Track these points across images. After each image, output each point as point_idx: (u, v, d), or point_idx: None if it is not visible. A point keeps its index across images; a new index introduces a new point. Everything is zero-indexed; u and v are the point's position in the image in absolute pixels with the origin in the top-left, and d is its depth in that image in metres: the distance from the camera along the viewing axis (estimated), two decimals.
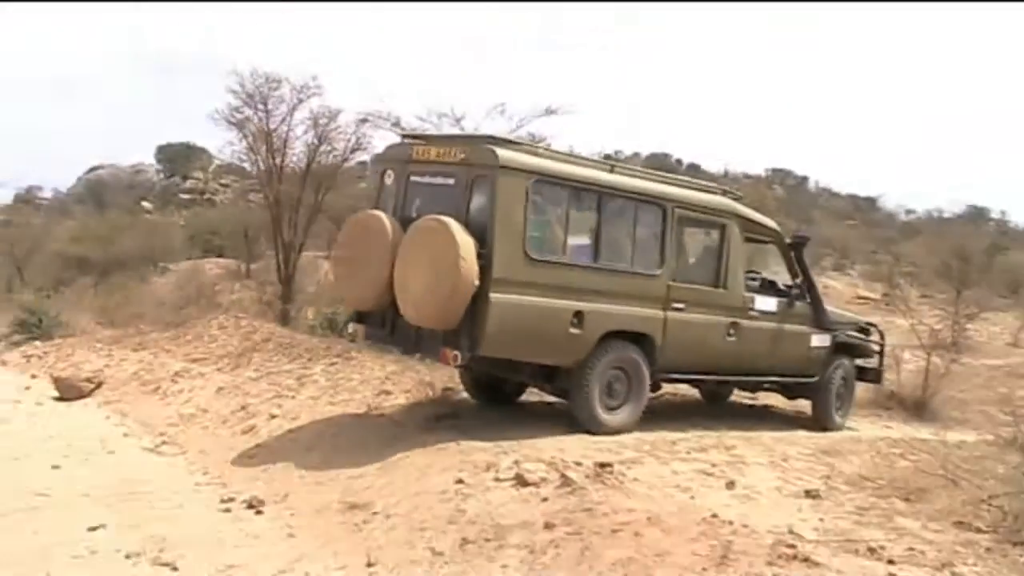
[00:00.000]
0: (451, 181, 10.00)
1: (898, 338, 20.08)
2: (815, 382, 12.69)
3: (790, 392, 13.10)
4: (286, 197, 18.99)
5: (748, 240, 12.06)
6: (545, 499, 7.27)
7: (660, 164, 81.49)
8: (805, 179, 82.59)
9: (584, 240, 10.57)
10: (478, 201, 9.73)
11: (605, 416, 10.43)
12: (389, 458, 8.87)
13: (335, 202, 22.65)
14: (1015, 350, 23.50)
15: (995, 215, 65.15)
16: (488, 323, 9.42)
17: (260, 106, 18.75)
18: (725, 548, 6.10)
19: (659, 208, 10.98)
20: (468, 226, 9.44)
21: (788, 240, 12.63)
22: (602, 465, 8.32)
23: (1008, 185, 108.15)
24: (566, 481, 7.55)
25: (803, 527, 7.16)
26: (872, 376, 13.76)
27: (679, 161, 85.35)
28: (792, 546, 6.22)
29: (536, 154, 10.32)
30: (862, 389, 15.69)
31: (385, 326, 10.45)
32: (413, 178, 10.46)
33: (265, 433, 10.70)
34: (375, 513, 7.71)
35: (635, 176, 11.27)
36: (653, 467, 9.04)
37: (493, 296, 9.39)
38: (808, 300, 12.58)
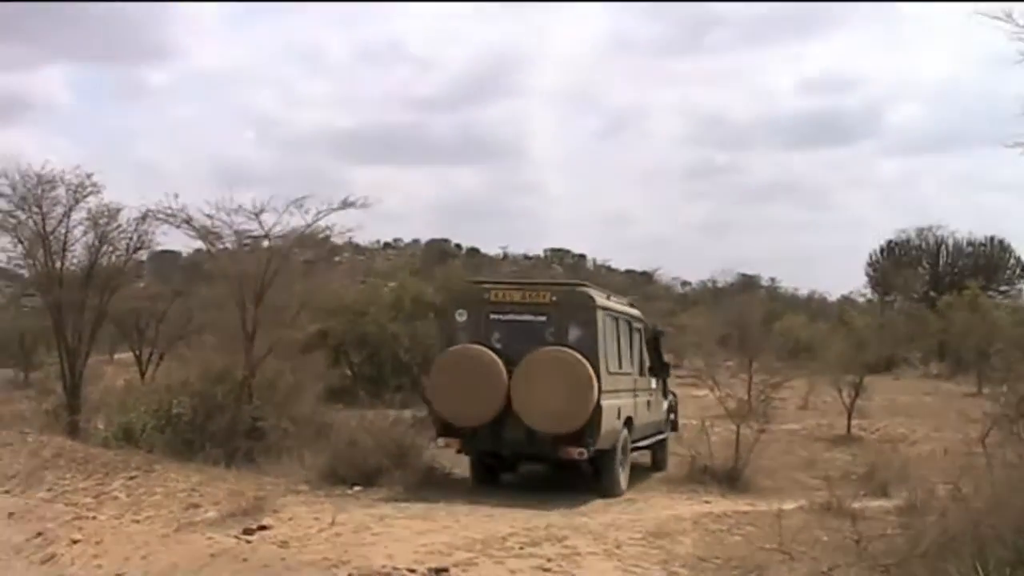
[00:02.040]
0: (543, 318, 13.24)
1: (700, 411, 20.53)
2: (665, 436, 16.82)
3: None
4: (68, 301, 17.94)
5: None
6: None
7: (441, 249, 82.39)
8: (583, 257, 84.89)
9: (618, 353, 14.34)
10: (575, 333, 13.14)
11: (623, 481, 13.89)
12: None
13: (118, 304, 21.64)
14: (806, 413, 24.32)
15: (765, 282, 68.29)
16: (603, 424, 12.90)
17: (35, 208, 17.64)
18: None
19: (639, 325, 15.60)
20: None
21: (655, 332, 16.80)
22: (438, 571, 7.94)
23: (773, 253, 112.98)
24: None
25: None
26: (672, 427, 17.64)
27: (458, 246, 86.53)
28: None
29: (604, 295, 14.40)
30: (676, 466, 15.95)
31: (488, 437, 13.20)
32: (493, 316, 13.38)
33: (67, 561, 9.73)
34: None
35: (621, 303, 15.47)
36: (489, 568, 8.71)
37: (604, 403, 12.96)
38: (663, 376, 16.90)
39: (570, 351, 12.91)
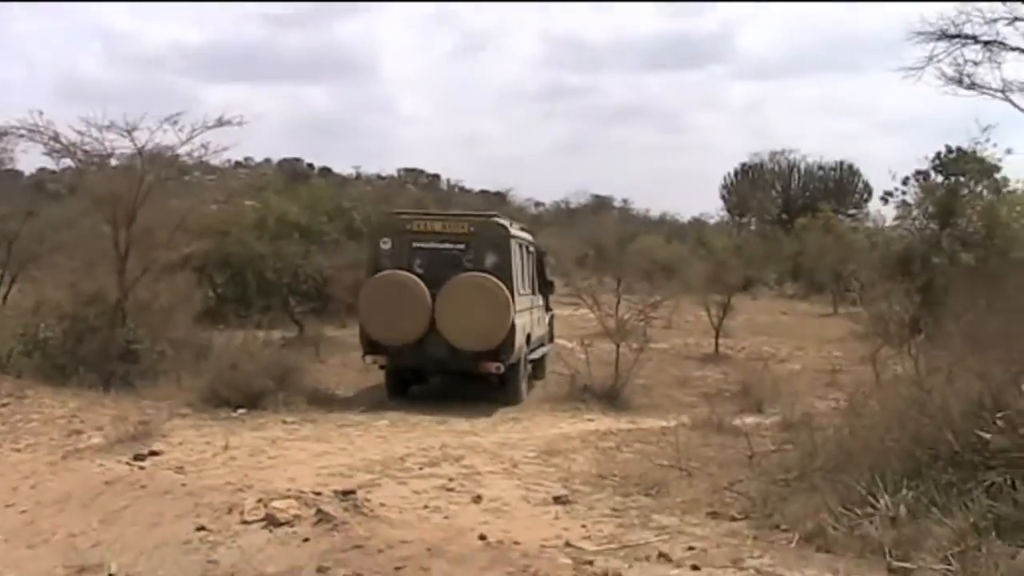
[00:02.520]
0: (461, 246, 14.65)
1: (570, 330, 20.77)
2: (547, 348, 18.14)
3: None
4: None
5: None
6: (306, 539, 6.64)
7: (293, 168, 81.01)
8: (436, 177, 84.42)
9: (523, 276, 15.66)
10: (491, 259, 14.56)
11: (524, 391, 15.42)
12: (109, 508, 7.90)
13: None
14: (671, 332, 24.79)
15: (618, 204, 68.92)
16: (516, 341, 14.46)
17: None
18: (530, 575, 5.80)
19: (532, 248, 17.03)
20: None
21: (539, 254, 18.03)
22: (345, 493, 7.84)
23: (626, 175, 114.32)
24: (323, 516, 6.96)
25: (574, 538, 7.01)
26: (550, 339, 18.92)
27: (310, 166, 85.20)
28: (589, 562, 6.00)
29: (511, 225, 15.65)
30: (556, 384, 16.15)
31: (412, 354, 14.46)
32: (415, 244, 14.70)
33: None
34: (112, 575, 6.81)
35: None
36: (393, 488, 8.71)
37: (521, 320, 14.77)
38: (547, 293, 18.25)
39: (489, 276, 14.31)
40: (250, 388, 13.14)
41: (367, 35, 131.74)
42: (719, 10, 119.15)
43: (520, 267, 15.37)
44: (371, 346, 14.70)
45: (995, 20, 12.84)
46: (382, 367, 15.02)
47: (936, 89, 13.46)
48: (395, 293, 14.28)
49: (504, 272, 14.45)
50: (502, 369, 14.39)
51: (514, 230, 15.46)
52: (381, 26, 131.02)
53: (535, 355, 16.63)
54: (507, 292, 14.24)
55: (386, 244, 14.85)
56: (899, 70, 13.51)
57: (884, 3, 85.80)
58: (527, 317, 15.62)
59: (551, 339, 18.94)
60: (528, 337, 15.57)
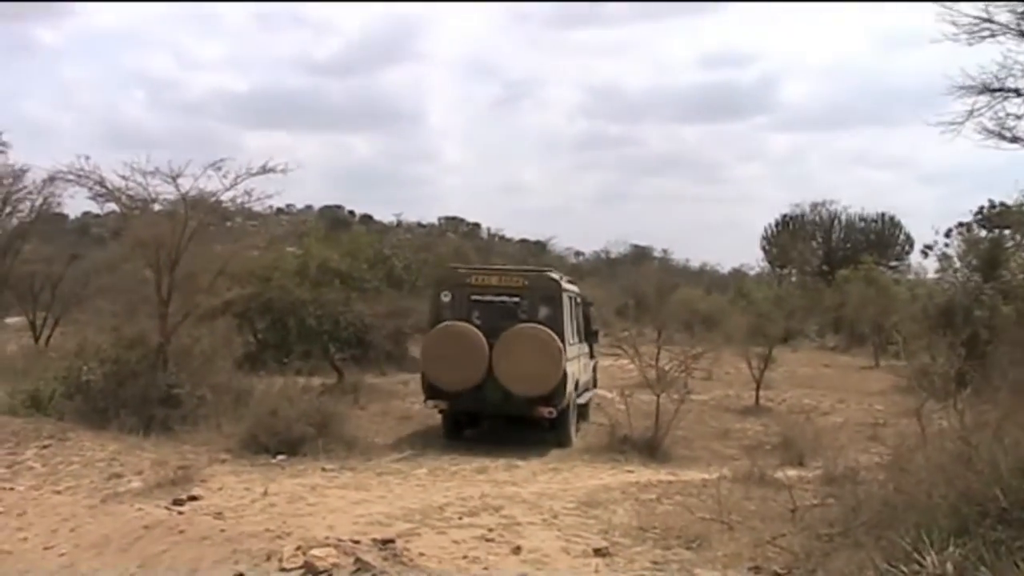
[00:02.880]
0: (516, 299, 15.75)
1: (610, 381, 20.69)
2: (592, 393, 19.15)
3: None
4: None
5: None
6: None
7: (334, 215, 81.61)
8: (477, 226, 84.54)
9: (572, 326, 16.67)
10: (544, 311, 15.65)
11: (574, 434, 16.35)
12: (147, 552, 7.92)
13: (18, 268, 21.00)
14: (711, 384, 24.58)
15: (657, 254, 68.68)
16: (567, 387, 15.46)
17: None
18: None
19: (579, 299, 18.05)
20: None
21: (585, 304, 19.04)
22: (384, 541, 7.82)
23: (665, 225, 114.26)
24: (362, 565, 6.94)
25: None
26: (594, 383, 20.02)
27: (352, 213, 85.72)
28: None
29: (562, 279, 16.78)
30: (595, 435, 16.06)
31: (471, 399, 15.38)
32: (473, 297, 15.80)
33: None
34: None
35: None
36: (432, 537, 8.65)
37: (571, 368, 15.86)
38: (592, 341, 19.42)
39: (542, 327, 15.37)
40: (290, 434, 13.19)
41: (409, 85, 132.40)
42: (760, 62, 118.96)
43: (569, 318, 16.35)
44: (432, 391, 15.70)
45: None
46: (441, 411, 16.02)
47: (976, 143, 13.31)
48: (455, 343, 15.35)
49: (556, 323, 15.53)
50: (555, 413, 15.30)
51: (564, 283, 16.58)
52: (423, 76, 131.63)
53: (581, 400, 17.47)
54: (559, 342, 15.25)
55: (446, 296, 15.99)
56: (938, 124, 13.35)
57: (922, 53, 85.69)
58: (576, 365, 16.63)
59: (595, 384, 19.91)
60: (576, 383, 16.54)
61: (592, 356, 19.60)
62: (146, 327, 15.54)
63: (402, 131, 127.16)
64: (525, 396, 15.15)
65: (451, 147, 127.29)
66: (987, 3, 12.60)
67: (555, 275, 16.77)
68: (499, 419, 16.39)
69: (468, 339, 15.29)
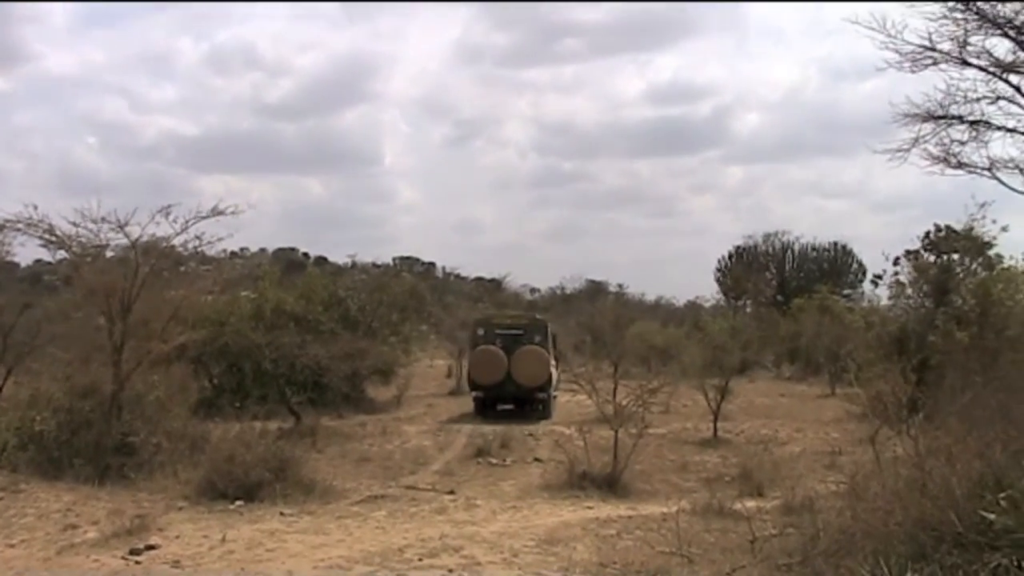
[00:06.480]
0: (521, 331, 26.42)
1: (567, 416, 20.66)
2: (558, 391, 28.02)
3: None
4: None
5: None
6: None
7: (289, 258, 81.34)
8: (432, 265, 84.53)
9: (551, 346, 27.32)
10: (538, 338, 26.20)
11: (553, 411, 26.30)
12: None
13: None
14: (669, 417, 24.57)
15: (612, 288, 68.85)
16: (553, 381, 26.24)
17: None
18: None
19: (552, 329, 28.32)
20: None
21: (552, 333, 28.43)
22: None
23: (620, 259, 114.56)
24: None
25: None
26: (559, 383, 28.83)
27: (306, 255, 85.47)
28: None
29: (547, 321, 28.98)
30: (554, 472, 16.02)
31: (497, 389, 25.72)
32: (497, 331, 26.45)
33: None
34: None
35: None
36: None
37: (553, 372, 26.21)
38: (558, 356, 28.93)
39: (537, 347, 25.91)
40: (247, 480, 13.03)
41: (363, 125, 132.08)
42: (713, 96, 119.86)
43: (551, 343, 26.95)
44: (474, 385, 26.15)
45: (978, 99, 12.98)
46: (476, 398, 26.03)
47: (923, 170, 13.55)
48: (488, 357, 25.86)
49: (544, 344, 26.24)
50: (545, 396, 25.89)
51: (548, 323, 28.20)
52: (376, 116, 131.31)
53: (555, 392, 27.14)
54: (548, 355, 25.96)
55: (481, 331, 26.77)
56: (885, 152, 13.59)
57: (869, 84, 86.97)
58: (555, 369, 26.45)
59: (559, 382, 27.99)
60: (552, 380, 26.11)
61: (559, 366, 27.92)
62: (100, 375, 15.33)
63: (356, 172, 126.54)
64: (528, 387, 25.49)
65: (405, 187, 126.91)
66: (930, 31, 12.84)
67: (542, 318, 29.46)
68: (508, 404, 26.16)
69: (495, 355, 25.72)
